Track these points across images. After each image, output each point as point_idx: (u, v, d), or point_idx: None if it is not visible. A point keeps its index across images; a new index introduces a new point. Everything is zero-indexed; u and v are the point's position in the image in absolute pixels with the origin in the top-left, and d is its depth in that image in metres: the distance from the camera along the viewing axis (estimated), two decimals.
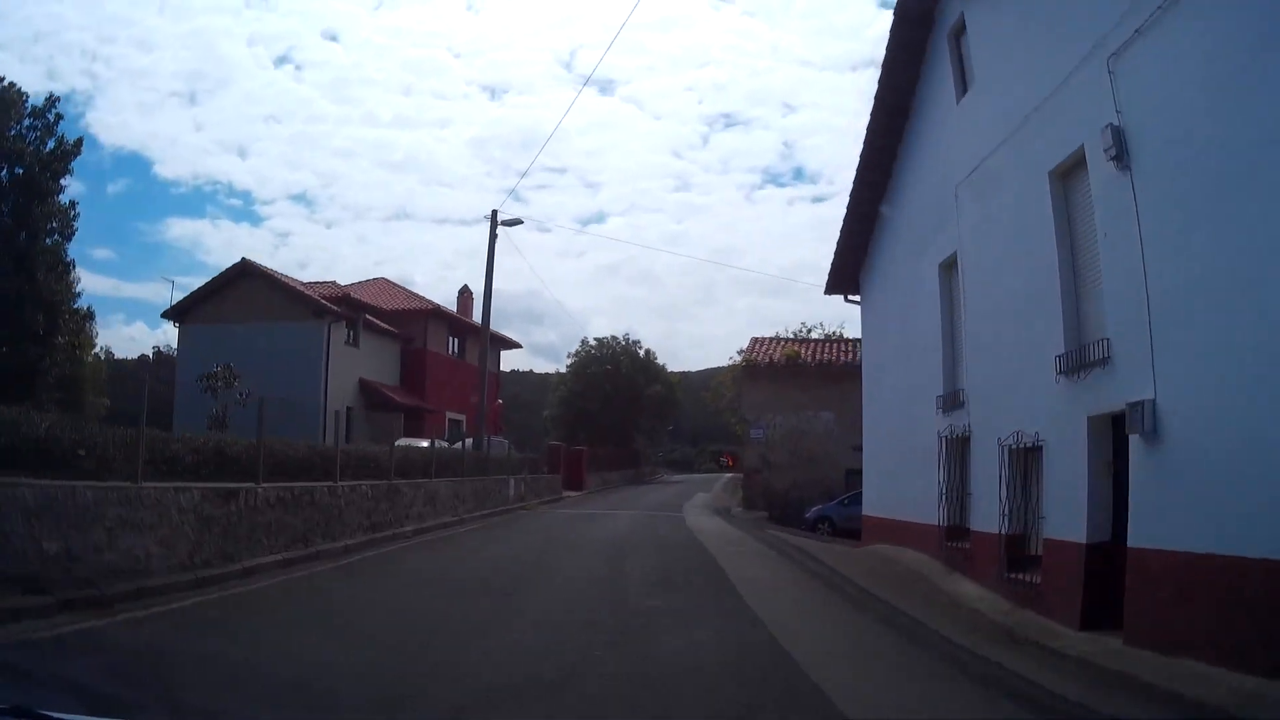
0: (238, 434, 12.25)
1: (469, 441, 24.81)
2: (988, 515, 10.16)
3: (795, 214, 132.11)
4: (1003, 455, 9.77)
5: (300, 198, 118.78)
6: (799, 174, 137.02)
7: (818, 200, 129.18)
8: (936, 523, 11.84)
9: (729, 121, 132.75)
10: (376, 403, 30.62)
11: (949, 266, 12.41)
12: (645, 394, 49.06)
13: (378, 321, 32.08)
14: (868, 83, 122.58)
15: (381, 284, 37.31)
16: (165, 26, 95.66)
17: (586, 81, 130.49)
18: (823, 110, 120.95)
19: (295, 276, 31.34)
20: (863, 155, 15.18)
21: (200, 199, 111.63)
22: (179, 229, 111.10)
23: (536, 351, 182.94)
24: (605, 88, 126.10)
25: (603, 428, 48.21)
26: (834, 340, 31.41)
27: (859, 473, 25.02)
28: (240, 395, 16.68)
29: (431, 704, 5.21)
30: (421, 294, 35.71)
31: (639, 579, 10.92)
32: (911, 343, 14.10)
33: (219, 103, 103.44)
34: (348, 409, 28.64)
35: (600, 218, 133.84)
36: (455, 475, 19.61)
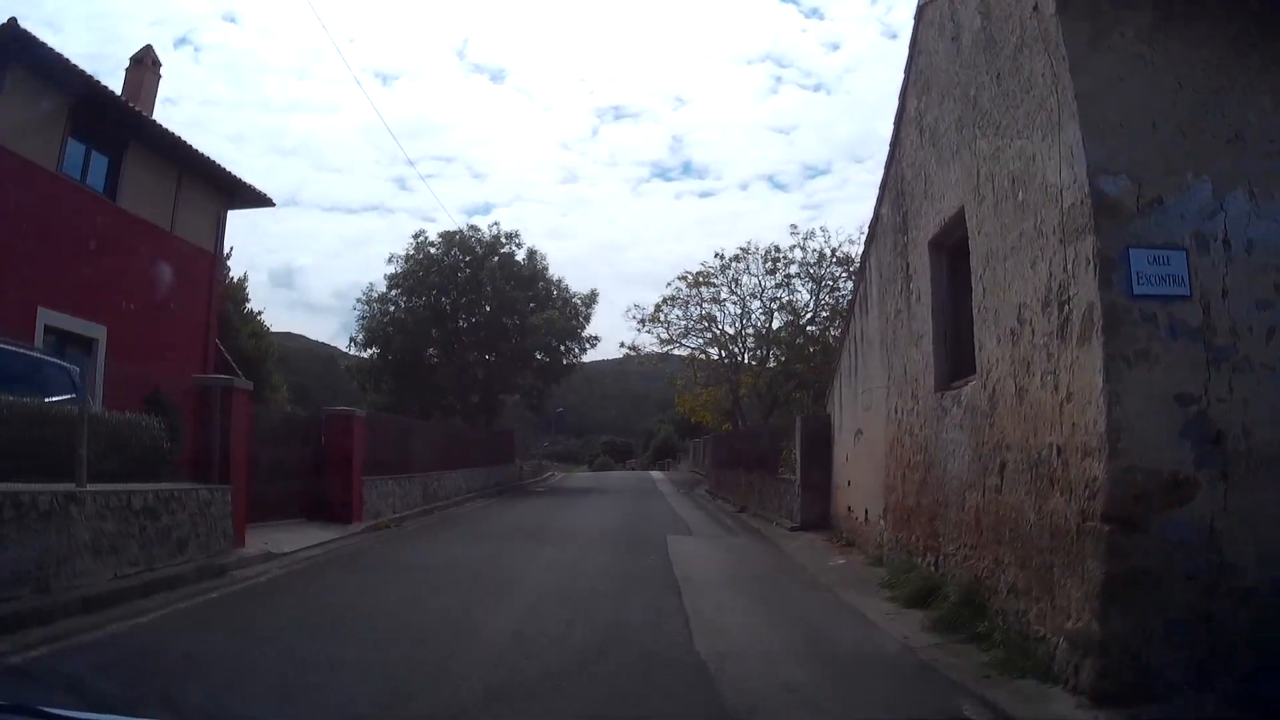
0: None
1: None
2: None
3: (682, 208, 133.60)
4: None
5: None
6: (687, 168, 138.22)
7: (705, 195, 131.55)
8: None
9: (619, 113, 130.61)
10: None
11: None
12: (528, 326, 26.94)
13: None
14: (764, 78, 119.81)
15: None
16: (74, 6, 79.78)
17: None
18: (714, 104, 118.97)
19: None
20: None
21: None
22: None
23: None
24: (496, 76, 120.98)
25: (447, 388, 26.58)
26: None
27: None
28: None
29: None
30: None
31: None
32: None
33: (115, 85, 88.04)
34: None
35: (486, 208, 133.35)
36: None
